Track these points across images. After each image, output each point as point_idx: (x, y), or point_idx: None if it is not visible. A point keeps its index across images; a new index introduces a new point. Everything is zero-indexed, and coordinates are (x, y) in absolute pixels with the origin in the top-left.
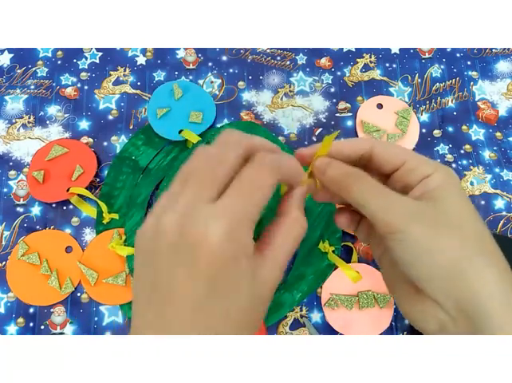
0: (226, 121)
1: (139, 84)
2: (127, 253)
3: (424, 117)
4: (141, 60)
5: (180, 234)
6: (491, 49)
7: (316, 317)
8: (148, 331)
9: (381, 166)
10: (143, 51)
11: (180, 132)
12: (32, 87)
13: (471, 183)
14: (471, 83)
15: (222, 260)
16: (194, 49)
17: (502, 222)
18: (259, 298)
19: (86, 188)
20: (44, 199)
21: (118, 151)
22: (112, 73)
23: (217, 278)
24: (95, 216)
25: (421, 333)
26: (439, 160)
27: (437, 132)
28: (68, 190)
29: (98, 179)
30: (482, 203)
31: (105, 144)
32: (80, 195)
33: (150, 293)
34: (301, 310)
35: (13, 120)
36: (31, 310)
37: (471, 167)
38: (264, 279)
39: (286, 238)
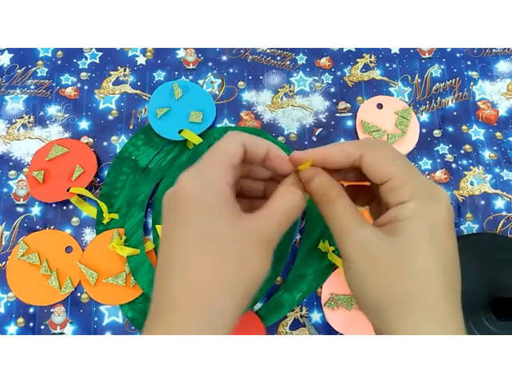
0: (226, 121)
1: (139, 84)
2: (127, 253)
3: (424, 117)
4: (141, 60)
5: (169, 199)
6: (491, 49)
7: (316, 317)
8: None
9: (368, 176)
10: (143, 51)
11: (180, 131)
12: (32, 87)
13: (471, 183)
14: (471, 83)
15: (194, 202)
16: (194, 49)
17: (502, 222)
18: (244, 243)
19: (86, 188)
20: (44, 199)
21: (118, 151)
22: (112, 72)
23: (196, 219)
24: (95, 216)
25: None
26: (438, 160)
27: (437, 132)
28: (68, 190)
29: (98, 179)
30: (482, 203)
31: (105, 144)
32: (80, 195)
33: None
34: (301, 310)
35: (13, 120)
36: (31, 310)
37: (471, 167)
38: (251, 228)
39: (280, 201)
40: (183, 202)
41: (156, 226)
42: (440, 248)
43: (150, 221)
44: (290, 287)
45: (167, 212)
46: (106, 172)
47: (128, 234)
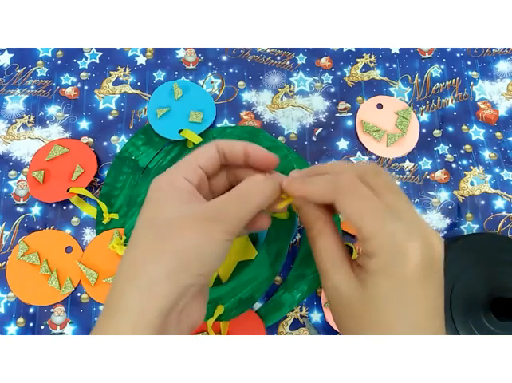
0: (226, 121)
1: (139, 84)
2: None
3: (424, 117)
4: (141, 60)
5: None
6: (491, 49)
7: (316, 317)
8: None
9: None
10: (143, 51)
11: (180, 131)
12: (32, 87)
13: (471, 183)
14: (471, 83)
15: (152, 196)
16: (194, 49)
17: (502, 222)
18: (183, 221)
19: (86, 188)
20: (44, 199)
21: (118, 151)
22: (112, 72)
23: (148, 209)
24: (95, 216)
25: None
26: (438, 160)
27: (437, 132)
28: (68, 190)
29: (98, 179)
30: (482, 203)
31: (105, 144)
32: (80, 195)
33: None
34: (301, 310)
35: (13, 120)
36: (31, 310)
37: (471, 167)
38: (195, 208)
39: (237, 187)
40: (149, 191)
41: None
42: (407, 306)
43: None
44: (290, 287)
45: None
46: (106, 172)
47: (129, 234)
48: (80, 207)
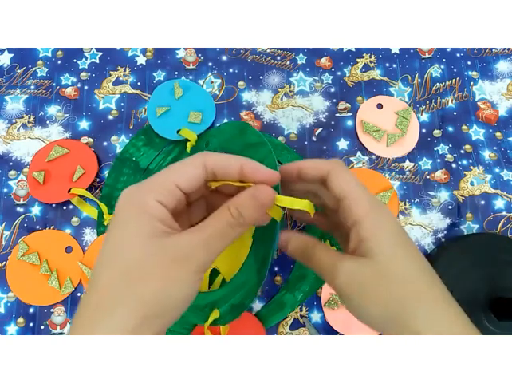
0: (226, 121)
1: (139, 84)
2: None
3: (424, 117)
4: (141, 60)
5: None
6: (491, 49)
7: (316, 317)
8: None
9: (331, 192)
10: (143, 51)
11: (178, 131)
12: (32, 87)
13: (471, 183)
14: (471, 83)
15: (120, 216)
16: (194, 49)
17: (502, 222)
18: (152, 260)
19: (87, 189)
20: (45, 199)
21: (118, 151)
22: (112, 72)
23: (115, 234)
24: (96, 217)
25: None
26: (438, 160)
27: (437, 132)
28: (69, 191)
29: (98, 180)
30: (482, 203)
31: (105, 144)
32: (80, 196)
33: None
34: (301, 310)
35: (13, 120)
36: (31, 310)
37: (471, 167)
38: (165, 245)
39: (220, 213)
40: (116, 215)
41: None
42: (408, 249)
43: None
44: (292, 288)
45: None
46: (106, 173)
47: None
48: (81, 207)
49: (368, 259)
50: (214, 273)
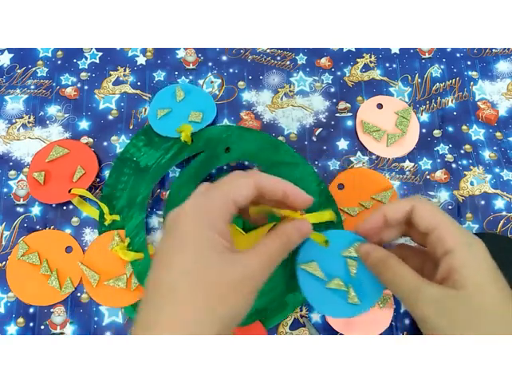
0: (226, 121)
1: (139, 84)
2: (130, 258)
3: (424, 117)
4: (141, 60)
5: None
6: (491, 49)
7: (316, 317)
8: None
9: (418, 227)
10: (143, 51)
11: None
12: (32, 87)
13: (471, 183)
14: (471, 83)
15: (193, 235)
16: (194, 49)
17: (502, 222)
18: (226, 283)
19: (87, 189)
20: (45, 200)
21: (118, 151)
22: (112, 72)
23: (191, 254)
24: (97, 217)
25: (421, 333)
26: (438, 160)
27: (437, 132)
28: (69, 191)
29: (98, 180)
30: (482, 203)
31: (105, 144)
32: (81, 197)
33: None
34: (301, 310)
35: (13, 120)
36: (31, 310)
37: (471, 167)
38: (236, 268)
39: (272, 242)
40: (183, 230)
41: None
42: (499, 284)
43: (150, 221)
44: (294, 287)
45: (168, 234)
46: (107, 173)
47: (130, 236)
48: (82, 208)
49: (459, 290)
50: None
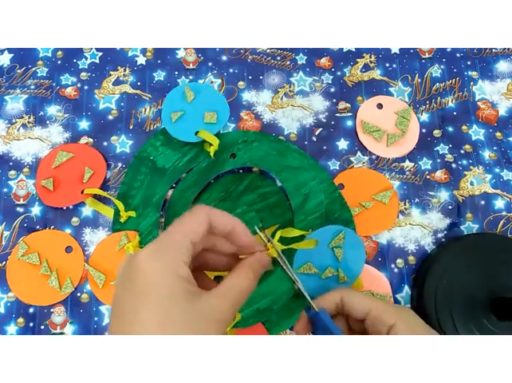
0: (247, 131)
1: (139, 84)
2: None
3: (424, 117)
4: (141, 60)
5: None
6: (491, 49)
7: None
8: None
9: (351, 314)
10: (143, 51)
11: (197, 133)
12: (32, 87)
13: (471, 183)
14: (471, 83)
15: (154, 283)
16: (194, 49)
17: (502, 222)
18: (197, 326)
19: (100, 188)
20: (59, 204)
21: (118, 151)
22: (112, 72)
23: (157, 304)
24: (111, 216)
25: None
26: (438, 160)
27: (437, 132)
28: (82, 192)
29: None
30: (482, 203)
31: (105, 144)
32: (94, 197)
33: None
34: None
35: (13, 120)
36: (31, 310)
37: (471, 167)
38: (204, 310)
39: (235, 281)
40: (143, 278)
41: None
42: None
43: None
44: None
45: (128, 283)
46: (108, 173)
47: (144, 234)
48: (96, 207)
49: None
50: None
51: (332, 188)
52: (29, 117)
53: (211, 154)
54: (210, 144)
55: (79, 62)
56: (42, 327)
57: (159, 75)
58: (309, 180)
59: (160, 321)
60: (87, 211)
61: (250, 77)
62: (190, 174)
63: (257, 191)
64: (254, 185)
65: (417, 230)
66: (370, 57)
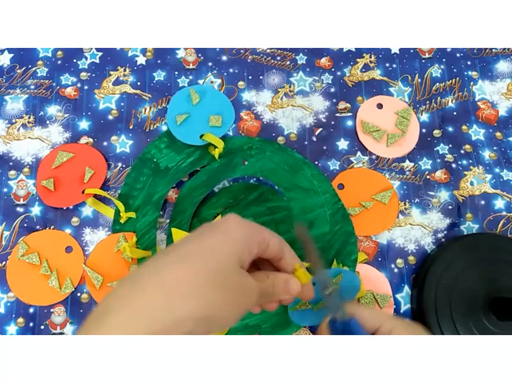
0: (261, 138)
1: (139, 84)
2: (137, 256)
3: (424, 117)
4: (141, 60)
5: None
6: (491, 49)
7: None
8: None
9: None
10: (143, 51)
11: (201, 136)
12: (32, 87)
13: (471, 183)
14: (471, 83)
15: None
16: (194, 49)
17: (502, 222)
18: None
19: (101, 188)
20: (60, 204)
21: (118, 151)
22: (112, 72)
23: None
24: (112, 216)
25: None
26: (438, 160)
27: (437, 132)
28: (83, 192)
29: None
30: (482, 203)
31: (105, 144)
32: (95, 197)
33: None
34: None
35: (13, 120)
36: (31, 310)
37: (471, 167)
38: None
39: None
40: (225, 225)
41: (172, 228)
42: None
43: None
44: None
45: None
46: (108, 173)
47: (140, 233)
48: (97, 207)
49: None
50: None
51: (334, 199)
52: (29, 117)
53: (216, 157)
54: (215, 147)
55: (79, 62)
56: (42, 327)
57: (159, 75)
58: (317, 207)
59: (209, 259)
60: (87, 211)
61: (250, 77)
62: (202, 172)
63: (267, 204)
64: (264, 197)
65: (417, 230)
66: (370, 57)
